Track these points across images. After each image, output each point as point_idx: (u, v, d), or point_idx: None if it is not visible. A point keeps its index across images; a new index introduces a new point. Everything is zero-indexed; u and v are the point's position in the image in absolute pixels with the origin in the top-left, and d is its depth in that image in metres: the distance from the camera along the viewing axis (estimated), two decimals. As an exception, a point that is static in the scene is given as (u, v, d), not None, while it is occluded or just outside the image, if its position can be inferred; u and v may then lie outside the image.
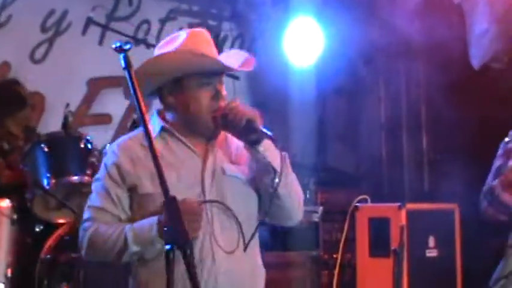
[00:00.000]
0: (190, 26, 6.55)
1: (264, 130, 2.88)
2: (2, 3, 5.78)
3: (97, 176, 3.04)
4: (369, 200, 5.07)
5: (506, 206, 3.80)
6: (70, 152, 4.77)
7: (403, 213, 4.79)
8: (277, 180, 2.90)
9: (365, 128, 7.07)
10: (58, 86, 5.96)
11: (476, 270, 4.45)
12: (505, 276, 3.66)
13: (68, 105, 4.92)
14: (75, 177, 4.69)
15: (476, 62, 5.76)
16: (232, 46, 6.86)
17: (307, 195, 6.00)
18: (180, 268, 2.53)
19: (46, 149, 4.68)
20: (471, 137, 5.83)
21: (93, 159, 4.72)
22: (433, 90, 6.27)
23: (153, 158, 2.55)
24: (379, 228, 4.90)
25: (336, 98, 7.14)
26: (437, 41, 5.69)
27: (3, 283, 4.04)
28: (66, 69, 6.06)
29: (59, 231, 4.64)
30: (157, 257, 2.81)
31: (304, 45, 6.57)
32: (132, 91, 2.59)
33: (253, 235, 2.96)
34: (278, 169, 2.89)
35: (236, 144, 3.06)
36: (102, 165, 3.02)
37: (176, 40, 3.01)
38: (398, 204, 4.83)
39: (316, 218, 5.79)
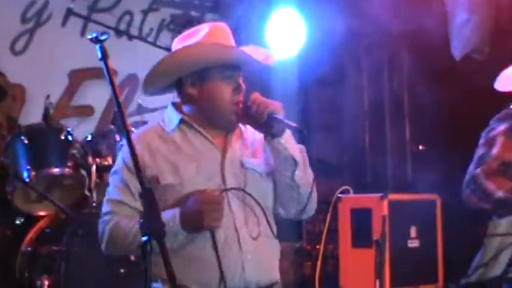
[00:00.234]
0: (173, 17, 6.54)
1: (288, 121, 2.92)
2: (-18, -6, 5.76)
3: (114, 168, 3.00)
4: (352, 191, 5.07)
5: (489, 194, 3.81)
6: (50, 143, 4.76)
7: (385, 203, 4.80)
8: (297, 172, 2.94)
9: (348, 118, 7.06)
10: (39, 77, 5.94)
11: (458, 260, 4.45)
12: (484, 265, 3.67)
13: (48, 96, 4.90)
14: (56, 169, 4.68)
15: (457, 52, 5.76)
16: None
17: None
18: (206, 254, 2.76)
19: (26, 141, 4.66)
20: (453, 126, 5.84)
21: (74, 151, 4.71)
22: (416, 80, 6.27)
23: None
24: (362, 218, 4.91)
25: (319, 88, 7.13)
26: (420, 31, 5.67)
27: (-16, 276, 4.03)
28: (47, 60, 6.03)
29: (40, 224, 4.63)
30: (186, 246, 2.82)
31: (287, 36, 6.55)
32: (108, 81, 2.57)
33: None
34: (299, 161, 2.94)
35: (252, 138, 3.09)
36: (119, 158, 2.99)
37: (198, 33, 3.02)
38: (381, 195, 4.84)
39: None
